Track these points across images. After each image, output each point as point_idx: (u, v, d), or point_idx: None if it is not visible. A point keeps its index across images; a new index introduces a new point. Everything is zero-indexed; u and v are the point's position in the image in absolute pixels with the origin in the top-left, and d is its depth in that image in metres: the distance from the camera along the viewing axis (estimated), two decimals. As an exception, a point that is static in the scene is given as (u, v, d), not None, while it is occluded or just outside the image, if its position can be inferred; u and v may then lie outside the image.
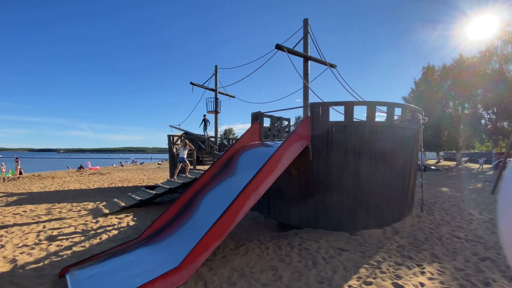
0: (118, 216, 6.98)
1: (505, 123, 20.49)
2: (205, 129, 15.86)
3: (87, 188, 12.44)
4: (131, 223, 6.41)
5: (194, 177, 8.48)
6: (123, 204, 7.54)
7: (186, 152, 8.76)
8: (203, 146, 13.13)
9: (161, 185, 8.76)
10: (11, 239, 5.23)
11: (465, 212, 7.43)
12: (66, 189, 12.05)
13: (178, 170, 8.90)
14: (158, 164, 35.46)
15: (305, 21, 9.19)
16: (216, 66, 13.78)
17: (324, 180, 5.77)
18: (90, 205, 8.30)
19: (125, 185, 13.54)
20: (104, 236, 5.48)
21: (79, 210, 7.63)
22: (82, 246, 4.95)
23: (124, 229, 6.00)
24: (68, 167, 34.00)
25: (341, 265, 4.05)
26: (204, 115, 16.22)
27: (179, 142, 13.45)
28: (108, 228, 6.02)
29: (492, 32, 22.09)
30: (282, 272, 3.84)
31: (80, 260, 4.09)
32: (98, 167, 27.69)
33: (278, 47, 8.17)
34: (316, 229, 5.82)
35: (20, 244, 5.00)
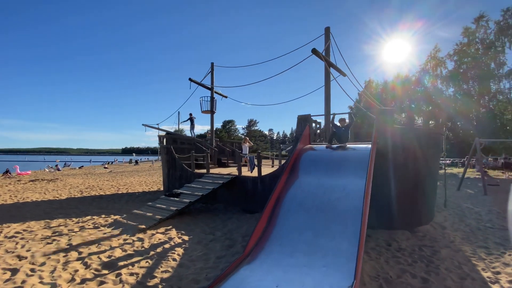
0: (159, 231, 5.90)
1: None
2: (192, 128, 14.69)
3: (56, 198, 10.04)
4: (185, 238, 5.52)
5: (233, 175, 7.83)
6: (158, 216, 6.39)
7: (248, 148, 8.66)
8: (203, 148, 12.11)
9: (185, 192, 7.77)
10: (56, 274, 3.89)
11: (463, 206, 8.87)
12: (28, 200, 9.46)
13: (248, 165, 9.28)
14: (105, 167, 30.90)
15: (327, 29, 9.54)
16: (212, 63, 13.00)
17: (385, 182, 6.10)
18: (102, 220, 6.77)
19: (102, 193, 11.42)
20: (175, 256, 4.58)
21: (98, 227, 6.14)
22: (165, 271, 4.04)
23: (185, 245, 5.12)
24: (-26, 172, 26.69)
25: (458, 263, 4.36)
26: (190, 114, 14.90)
27: (164, 141, 12.07)
28: (165, 246, 5.04)
29: (425, 56, 26.78)
30: (423, 275, 3.94)
31: (203, 289, 3.35)
32: (29, 172, 22.45)
33: (314, 52, 8.29)
34: (375, 229, 6.10)
35: (77, 279, 3.77)
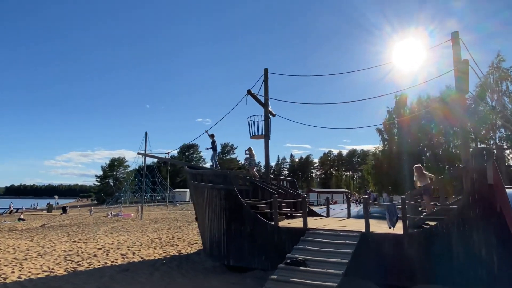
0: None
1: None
2: (214, 155, 10.68)
3: (105, 265, 6.26)
4: None
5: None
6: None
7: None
8: (269, 189, 8.91)
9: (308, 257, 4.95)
10: None
11: None
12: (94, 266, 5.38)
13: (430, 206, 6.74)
14: (20, 219, 22.12)
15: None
16: (266, 69, 9.86)
17: None
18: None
19: (146, 259, 7.70)
20: None
21: None
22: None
23: None
24: None
25: None
26: (212, 135, 10.41)
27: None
28: None
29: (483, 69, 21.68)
30: None
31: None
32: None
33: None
34: None
35: None
